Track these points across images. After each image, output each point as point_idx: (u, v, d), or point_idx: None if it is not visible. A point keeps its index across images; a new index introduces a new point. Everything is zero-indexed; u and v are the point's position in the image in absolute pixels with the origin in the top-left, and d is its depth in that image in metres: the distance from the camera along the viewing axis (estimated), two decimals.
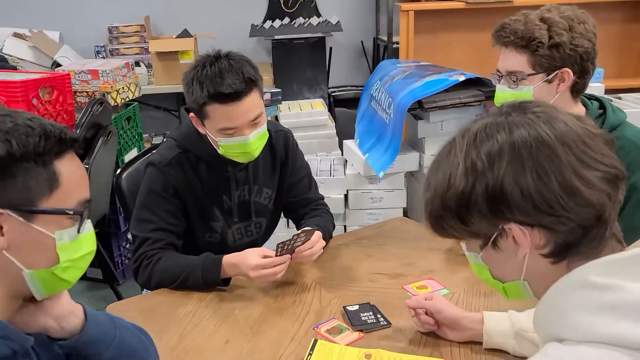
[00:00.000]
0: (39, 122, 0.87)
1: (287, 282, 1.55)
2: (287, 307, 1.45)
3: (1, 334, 0.85)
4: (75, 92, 2.92)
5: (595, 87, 3.06)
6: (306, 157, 1.90)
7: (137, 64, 3.63)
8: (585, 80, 1.53)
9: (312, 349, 1.25)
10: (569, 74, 1.49)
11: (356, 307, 1.41)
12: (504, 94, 1.57)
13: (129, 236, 3.06)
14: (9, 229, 0.84)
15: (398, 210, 3.01)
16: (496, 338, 1.23)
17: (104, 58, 3.80)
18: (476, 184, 0.79)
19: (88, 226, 0.94)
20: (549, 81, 1.51)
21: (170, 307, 1.47)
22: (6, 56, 3.25)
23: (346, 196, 3.05)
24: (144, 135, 3.48)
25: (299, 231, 1.54)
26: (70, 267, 0.91)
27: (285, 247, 1.48)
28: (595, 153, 0.78)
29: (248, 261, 1.48)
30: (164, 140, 1.79)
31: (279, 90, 3.51)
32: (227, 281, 1.54)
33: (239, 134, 1.55)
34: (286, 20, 4.01)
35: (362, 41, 4.26)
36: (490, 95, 2.71)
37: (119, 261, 3.11)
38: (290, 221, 2.82)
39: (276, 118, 3.37)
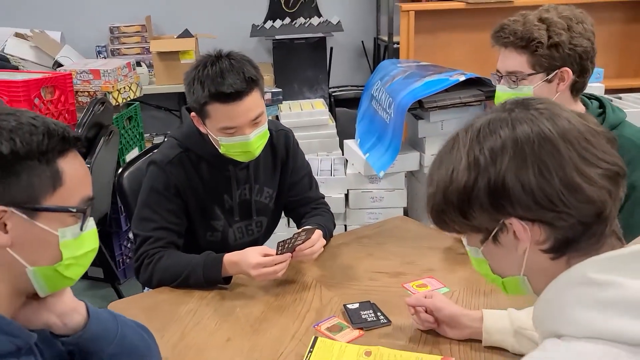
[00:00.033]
0: (42, 121, 0.88)
1: (287, 281, 1.56)
2: (287, 305, 1.46)
3: (5, 330, 0.86)
4: (76, 91, 2.93)
5: (595, 87, 3.07)
6: (307, 157, 1.91)
7: (138, 64, 3.64)
8: (584, 79, 1.54)
9: (313, 346, 1.26)
10: (568, 73, 1.50)
11: (356, 305, 1.42)
12: (504, 94, 1.58)
13: (130, 235, 3.08)
14: (12, 227, 0.85)
15: (398, 210, 3.01)
16: (495, 336, 1.24)
17: (105, 58, 3.82)
18: (478, 179, 0.80)
19: (91, 224, 0.95)
20: (549, 81, 1.52)
21: (172, 305, 1.48)
22: (8, 56, 3.26)
23: (347, 196, 3.06)
24: (145, 135, 3.49)
25: (300, 230, 1.55)
26: (73, 265, 0.92)
27: (286, 245, 1.49)
28: (597, 150, 0.79)
29: (249, 260, 1.49)
30: (165, 139, 1.80)
31: (280, 90, 3.52)
32: (228, 279, 1.55)
33: (240, 133, 1.56)
34: (287, 20, 4.02)
35: (362, 41, 4.26)
36: (491, 95, 2.72)
37: (120, 260, 3.12)
38: (290, 220, 2.84)
39: (277, 118, 3.37)
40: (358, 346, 1.26)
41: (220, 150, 1.62)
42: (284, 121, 3.21)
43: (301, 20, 4.00)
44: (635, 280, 0.74)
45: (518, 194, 0.78)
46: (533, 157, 0.78)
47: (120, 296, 2.85)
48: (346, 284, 1.56)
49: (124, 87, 3.12)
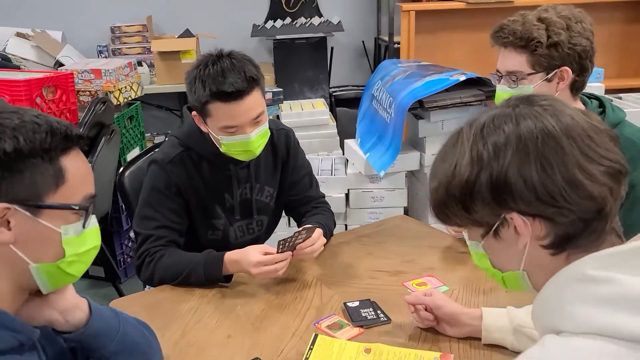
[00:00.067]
0: (45, 119, 0.89)
1: (288, 279, 1.57)
2: (288, 304, 1.47)
3: (8, 326, 0.87)
4: (78, 91, 2.94)
5: (595, 86, 3.08)
6: (307, 157, 1.91)
7: (140, 63, 3.65)
8: (584, 78, 1.54)
9: (313, 343, 1.27)
10: (568, 73, 1.51)
11: (356, 303, 1.43)
12: (504, 93, 1.59)
13: (131, 234, 3.09)
14: (16, 224, 0.86)
15: (399, 210, 3.02)
16: (495, 334, 1.25)
17: (106, 58, 3.82)
18: (481, 173, 0.81)
19: (93, 221, 0.96)
20: (549, 80, 1.52)
21: (173, 303, 1.49)
22: (9, 56, 3.27)
23: (347, 195, 3.07)
24: (146, 135, 3.50)
25: (300, 228, 1.56)
26: (75, 262, 0.93)
27: (287, 244, 1.50)
28: (599, 148, 0.79)
29: (249, 258, 1.49)
30: (167, 138, 1.81)
31: (281, 89, 3.53)
32: (229, 278, 1.56)
33: (240, 132, 1.57)
34: (288, 20, 4.03)
35: (363, 41, 4.27)
36: (491, 95, 2.73)
37: (121, 259, 3.13)
38: (291, 220, 2.85)
39: (278, 117, 3.38)
40: (358, 343, 1.27)
41: (221, 149, 1.62)
42: (284, 121, 3.21)
43: (302, 20, 4.01)
44: (634, 277, 0.74)
45: (520, 189, 0.79)
46: (536, 153, 0.78)
47: (121, 295, 2.85)
48: (346, 282, 1.56)
49: (125, 87, 3.13)
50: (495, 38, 1.57)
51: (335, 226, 1.86)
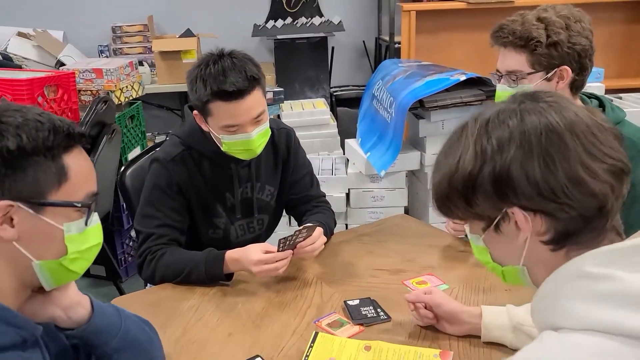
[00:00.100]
0: (48, 117, 0.89)
1: (288, 277, 1.58)
2: (288, 302, 1.47)
3: (11, 322, 0.87)
4: (79, 90, 2.95)
5: (595, 86, 3.08)
6: (308, 156, 1.92)
7: (141, 63, 3.66)
8: (583, 77, 1.55)
9: (313, 341, 1.27)
10: (567, 72, 1.52)
11: (357, 301, 1.44)
12: (504, 93, 1.60)
13: (132, 234, 3.09)
14: (19, 221, 0.87)
15: (399, 209, 3.03)
16: (494, 332, 1.25)
17: (107, 57, 3.83)
18: (484, 167, 0.81)
19: (95, 219, 0.97)
20: (548, 79, 1.53)
21: (174, 301, 1.50)
22: (11, 55, 3.28)
23: (348, 195, 3.07)
24: (146, 134, 3.51)
25: (301, 227, 1.56)
26: (77, 259, 0.94)
27: (287, 242, 1.50)
28: (603, 146, 0.80)
29: (250, 256, 1.50)
30: (168, 137, 1.81)
31: (281, 89, 3.53)
32: (230, 276, 1.56)
33: (241, 131, 1.58)
34: (288, 20, 4.03)
35: (364, 41, 4.28)
36: (491, 95, 2.73)
37: (122, 258, 3.13)
38: (292, 219, 2.86)
39: (278, 117, 3.39)
40: (358, 341, 1.28)
41: (222, 148, 1.63)
42: (285, 120, 3.22)
43: (303, 20, 4.02)
44: (633, 274, 0.75)
45: (522, 184, 0.79)
46: (539, 149, 0.79)
47: (122, 294, 2.86)
48: (347, 280, 1.57)
49: (127, 86, 3.14)
50: (495, 38, 1.58)
51: (335, 225, 1.87)
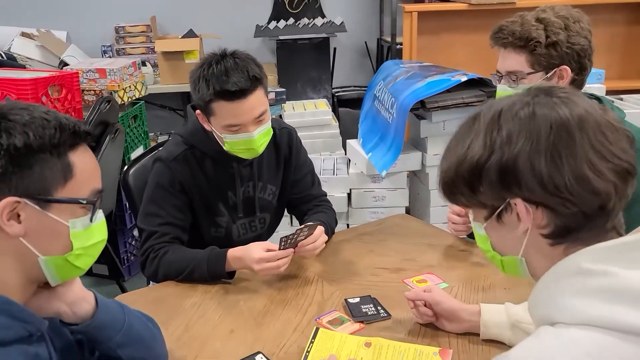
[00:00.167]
0: (54, 116, 0.91)
1: (290, 276, 1.59)
2: (290, 299, 1.49)
3: (17, 316, 0.89)
4: (83, 90, 2.97)
5: (596, 87, 3.09)
6: (310, 156, 1.93)
7: (144, 63, 3.68)
8: (583, 77, 1.57)
9: (314, 337, 1.29)
10: (567, 72, 1.53)
11: (357, 299, 1.45)
12: (504, 93, 1.61)
13: (135, 233, 3.11)
14: (26, 217, 0.89)
15: (400, 209, 3.04)
16: (493, 329, 1.27)
17: (110, 57, 3.85)
18: (492, 156, 0.83)
19: (100, 215, 0.98)
20: (548, 79, 1.55)
21: (177, 298, 1.51)
22: (15, 55, 3.30)
23: (349, 195, 3.09)
24: (149, 134, 3.53)
25: (302, 226, 1.58)
26: (82, 255, 0.95)
27: (289, 241, 1.52)
28: (611, 145, 0.80)
29: (252, 255, 1.51)
30: (170, 137, 1.83)
31: (284, 90, 3.55)
32: (232, 274, 1.58)
33: (244, 130, 1.59)
34: (291, 20, 4.05)
35: (365, 42, 4.29)
36: (492, 96, 2.73)
37: (125, 257, 3.15)
38: (294, 219, 2.87)
39: (280, 117, 3.40)
40: (358, 337, 1.29)
41: (224, 148, 1.65)
42: (287, 121, 3.22)
43: (305, 20, 4.03)
44: (630, 270, 0.75)
45: (527, 177, 0.81)
46: (547, 143, 0.80)
47: (124, 293, 2.88)
48: (347, 279, 1.58)
49: (130, 86, 3.16)
50: (495, 39, 1.59)
51: (336, 224, 1.88)
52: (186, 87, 2.40)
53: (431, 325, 1.34)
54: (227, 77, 1.52)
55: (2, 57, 3.17)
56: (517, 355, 0.78)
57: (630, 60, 4.05)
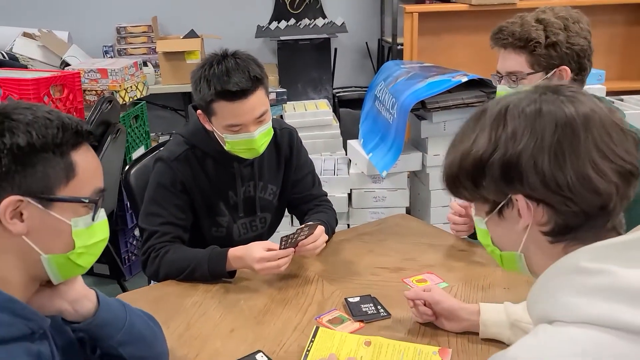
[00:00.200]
0: (57, 115, 0.92)
1: (290, 275, 1.60)
2: (290, 299, 1.49)
3: (20, 313, 0.90)
4: (84, 90, 2.98)
5: (596, 88, 3.10)
6: (310, 157, 1.94)
7: (145, 63, 3.69)
8: (583, 77, 1.58)
9: (314, 336, 1.30)
10: (567, 72, 1.54)
11: (357, 298, 1.46)
12: (505, 93, 1.62)
13: (136, 232, 3.12)
14: (28, 216, 0.89)
15: (401, 210, 3.04)
16: (492, 328, 1.27)
17: (112, 58, 3.86)
18: (496, 152, 0.83)
19: (102, 214, 0.99)
20: (548, 79, 1.55)
21: (178, 297, 1.52)
22: (17, 55, 3.31)
23: (350, 195, 3.09)
24: (150, 134, 3.53)
25: (303, 225, 1.59)
26: (84, 253, 0.96)
27: (289, 240, 1.52)
28: (616, 146, 0.80)
29: (253, 254, 1.52)
30: (171, 137, 1.84)
31: (284, 90, 3.55)
32: (232, 273, 1.59)
33: (244, 130, 1.60)
34: (292, 21, 4.06)
35: (366, 42, 4.30)
36: (492, 96, 2.75)
37: (126, 257, 3.16)
38: (294, 219, 2.88)
39: (281, 118, 3.41)
40: (358, 336, 1.30)
41: (225, 148, 1.65)
42: (288, 121, 3.21)
43: (306, 21, 4.04)
44: (627, 269, 0.76)
45: (529, 173, 0.81)
46: (551, 141, 0.80)
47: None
48: (348, 278, 1.59)
49: (131, 87, 3.17)
50: (495, 40, 1.60)
51: (337, 224, 1.89)
52: (187, 88, 2.40)
53: (431, 325, 1.35)
54: (228, 77, 1.53)
55: (4, 57, 3.18)
56: (515, 353, 0.79)
57: (630, 61, 4.06)
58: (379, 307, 1.42)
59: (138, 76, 3.26)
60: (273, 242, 1.59)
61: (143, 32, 3.97)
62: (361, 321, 1.38)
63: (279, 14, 4.16)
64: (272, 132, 1.70)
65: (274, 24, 4.03)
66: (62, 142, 0.91)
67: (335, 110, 3.83)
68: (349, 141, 3.25)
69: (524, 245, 0.88)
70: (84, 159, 0.94)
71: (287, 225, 2.91)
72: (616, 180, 0.80)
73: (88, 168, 0.95)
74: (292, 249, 1.55)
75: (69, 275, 0.98)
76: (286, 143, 1.83)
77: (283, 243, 1.52)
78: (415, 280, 1.56)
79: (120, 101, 3.02)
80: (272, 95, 3.39)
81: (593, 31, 1.57)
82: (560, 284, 0.80)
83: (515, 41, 1.54)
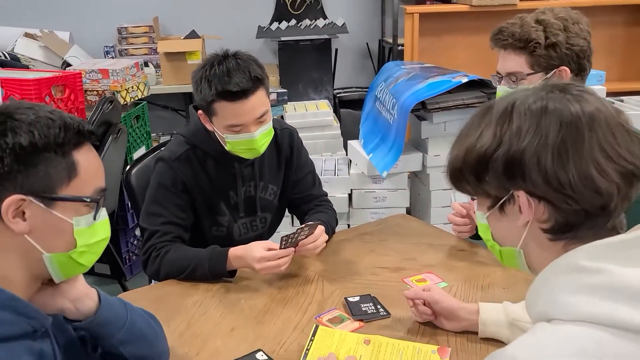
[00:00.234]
0: (59, 115, 0.93)
1: (290, 274, 1.60)
2: (290, 298, 1.50)
3: (22, 311, 0.90)
4: (86, 90, 2.99)
5: (597, 89, 3.07)
6: (311, 157, 1.95)
7: (146, 64, 3.69)
8: (582, 78, 1.58)
9: (314, 335, 1.30)
10: (566, 72, 1.55)
11: (357, 298, 1.46)
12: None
13: (137, 232, 3.12)
14: (30, 215, 0.90)
15: (401, 210, 3.05)
16: (491, 328, 1.28)
17: (113, 58, 3.87)
18: (500, 147, 0.83)
19: (103, 214, 1.00)
20: (548, 80, 1.56)
21: (178, 296, 1.53)
22: (18, 55, 3.32)
23: (350, 195, 3.10)
24: (151, 135, 3.54)
25: (303, 225, 1.59)
26: (86, 252, 0.97)
27: (290, 240, 1.53)
28: (619, 147, 0.81)
29: (253, 253, 1.53)
30: (172, 137, 1.85)
31: (285, 90, 3.56)
32: (233, 273, 1.59)
33: (245, 130, 1.61)
34: (292, 22, 4.07)
35: (367, 43, 4.31)
36: (493, 97, 2.75)
37: (127, 257, 3.16)
38: (295, 219, 2.88)
39: (282, 118, 3.42)
40: (357, 334, 1.31)
41: (226, 148, 1.66)
42: (289, 122, 3.22)
43: (307, 22, 4.05)
44: (625, 268, 0.76)
45: (532, 170, 0.81)
46: (555, 139, 0.80)
47: None
48: (348, 278, 1.59)
49: (132, 87, 3.18)
50: (495, 40, 1.61)
51: (337, 224, 1.90)
52: (188, 88, 2.40)
53: (430, 324, 1.35)
54: (229, 77, 1.54)
55: (6, 57, 3.19)
56: (514, 351, 0.79)
57: (630, 62, 4.06)
58: (378, 306, 1.43)
59: (139, 76, 3.27)
60: (273, 241, 1.59)
61: (144, 33, 3.98)
62: (361, 320, 1.38)
63: (279, 14, 4.17)
64: (273, 133, 1.71)
65: (275, 25, 4.04)
66: (64, 141, 0.91)
67: (335, 111, 3.84)
68: (349, 141, 3.26)
69: (523, 242, 0.88)
70: (86, 158, 0.95)
71: (287, 225, 2.92)
72: (618, 181, 0.80)
73: (90, 168, 0.95)
74: (292, 249, 1.56)
75: (70, 273, 0.99)
76: (287, 143, 1.84)
77: (283, 243, 1.52)
78: (414, 279, 1.56)
79: (122, 101, 3.03)
80: (273, 96, 3.40)
81: (593, 32, 1.57)
82: (559, 282, 0.80)
83: (515, 42, 1.55)
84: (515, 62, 1.58)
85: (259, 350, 1.28)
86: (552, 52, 1.53)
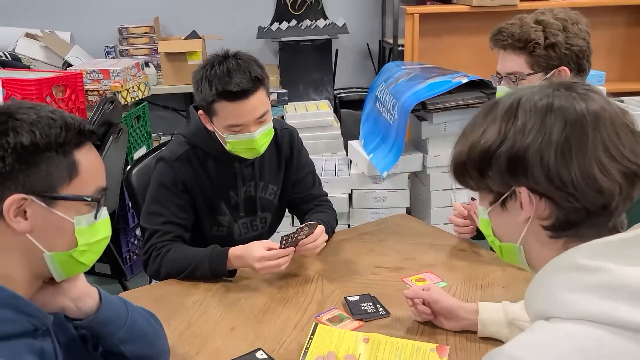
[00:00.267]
0: (60, 115, 0.93)
1: (290, 274, 1.61)
2: (290, 297, 1.51)
3: (23, 310, 0.91)
4: (86, 90, 2.99)
5: None
6: (311, 157, 1.95)
7: (147, 64, 3.70)
8: (582, 78, 1.59)
9: (313, 333, 1.31)
10: (566, 72, 1.55)
11: (357, 297, 1.47)
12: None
13: (138, 232, 3.13)
14: (32, 214, 0.91)
15: (401, 210, 3.06)
16: (490, 327, 1.28)
17: (114, 58, 3.88)
18: (503, 143, 0.84)
19: (104, 213, 1.00)
20: (547, 80, 1.56)
21: (179, 296, 1.53)
22: (19, 56, 3.33)
23: (350, 196, 3.11)
24: (152, 135, 3.55)
25: (303, 225, 1.60)
26: (87, 251, 0.97)
27: (290, 240, 1.53)
28: (623, 147, 0.81)
29: (253, 253, 1.53)
30: (173, 137, 1.85)
31: (286, 91, 3.57)
32: (233, 272, 1.60)
33: (245, 130, 1.61)
34: (293, 22, 4.07)
35: (367, 43, 4.31)
36: (493, 97, 2.76)
37: (127, 257, 3.17)
38: (295, 219, 2.89)
39: (282, 118, 3.42)
40: (357, 333, 1.31)
41: (226, 148, 1.67)
42: (289, 122, 3.23)
43: (307, 22, 4.05)
44: (624, 267, 0.77)
45: (534, 167, 0.82)
46: (559, 137, 0.81)
47: None
48: (347, 277, 1.60)
49: (133, 87, 3.18)
50: (495, 41, 1.61)
51: (337, 224, 1.90)
52: (189, 88, 2.41)
53: (429, 323, 1.36)
54: (229, 77, 1.54)
55: (7, 57, 3.20)
56: (512, 350, 0.79)
57: (630, 63, 4.07)
58: (378, 306, 1.43)
59: (140, 77, 3.27)
60: (273, 241, 1.60)
61: (145, 33, 3.98)
62: (360, 320, 1.39)
63: (280, 15, 4.18)
64: (273, 133, 1.71)
65: (275, 25, 4.04)
66: (65, 141, 0.92)
67: (336, 111, 3.84)
68: (349, 142, 3.27)
69: (523, 238, 0.88)
70: (87, 158, 0.95)
71: (287, 225, 2.93)
72: (620, 181, 0.80)
73: (91, 167, 0.96)
74: (292, 248, 1.56)
75: (71, 272, 0.99)
76: (287, 143, 1.84)
77: (283, 242, 1.53)
78: (414, 279, 1.57)
79: (122, 101, 3.03)
80: (273, 96, 3.41)
81: (593, 33, 1.58)
82: (558, 280, 0.81)
83: (515, 42, 1.56)
84: (515, 62, 1.59)
85: (259, 349, 1.28)
86: (551, 52, 1.53)
